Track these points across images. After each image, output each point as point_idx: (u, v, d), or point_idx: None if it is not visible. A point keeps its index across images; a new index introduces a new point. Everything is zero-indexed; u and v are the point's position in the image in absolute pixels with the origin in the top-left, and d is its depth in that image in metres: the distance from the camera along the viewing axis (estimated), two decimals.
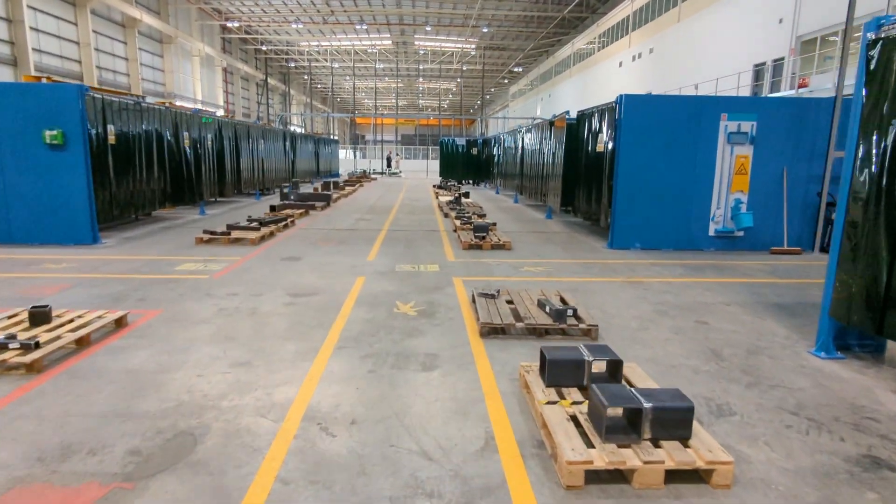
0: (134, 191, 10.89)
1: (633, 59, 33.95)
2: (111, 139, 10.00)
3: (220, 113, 49.50)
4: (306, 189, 22.15)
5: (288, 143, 21.90)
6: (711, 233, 9.78)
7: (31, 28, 29.81)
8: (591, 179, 11.01)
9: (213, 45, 52.71)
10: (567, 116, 12.08)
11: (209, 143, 14.22)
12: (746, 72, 23.23)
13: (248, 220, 11.64)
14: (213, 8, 49.32)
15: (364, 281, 7.21)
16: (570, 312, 5.22)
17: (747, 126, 9.47)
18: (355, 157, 53.03)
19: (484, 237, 9.82)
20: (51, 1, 31.95)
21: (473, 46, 56.74)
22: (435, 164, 41.51)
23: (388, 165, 44.72)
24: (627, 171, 9.50)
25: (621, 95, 9.48)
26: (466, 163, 28.74)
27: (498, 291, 6.00)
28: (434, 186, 23.91)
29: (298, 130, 48.83)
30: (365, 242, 10.20)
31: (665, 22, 30.23)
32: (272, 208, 13.37)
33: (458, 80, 66.79)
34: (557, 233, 11.77)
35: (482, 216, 13.10)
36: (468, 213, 13.81)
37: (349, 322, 5.49)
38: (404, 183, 30.60)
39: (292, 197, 15.23)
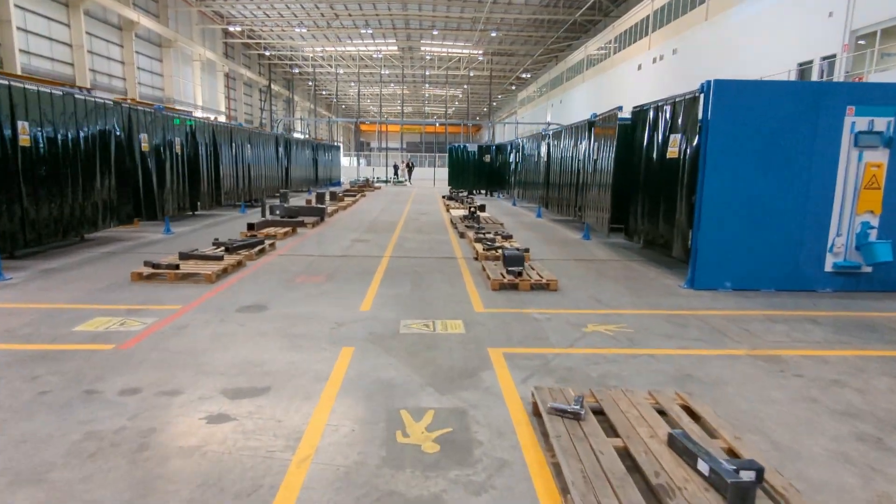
0: (62, 207, 8.26)
1: (654, 61, 31.29)
2: (23, 141, 7.36)
3: (223, 119, 47.12)
4: (300, 201, 19.47)
5: (281, 149, 19.28)
6: (828, 268, 7.06)
7: (19, 28, 27.48)
8: (657, 194, 8.30)
9: (215, 49, 50.42)
10: (619, 115, 9.37)
11: (177, 147, 11.60)
12: (791, 71, 20.53)
13: (214, 244, 9.00)
14: (214, 11, 47.03)
15: (351, 357, 4.53)
16: (750, 475, 2.52)
17: (882, 123, 6.77)
18: (359, 164, 50.49)
19: (520, 273, 7.12)
20: (41, 1, 29.61)
21: (481, 52, 54.27)
22: (442, 172, 38.88)
23: (395, 174, 41.29)
24: (717, 183, 6.81)
25: (709, 81, 6.80)
26: (478, 171, 26.02)
27: (582, 404, 3.31)
28: (443, 197, 21.25)
29: (299, 136, 46.29)
30: (359, 278, 7.52)
31: (690, 20, 27.58)
32: (250, 227, 10.72)
33: (465, 86, 64.31)
34: (607, 261, 9.06)
35: (507, 237, 10.42)
36: (489, 232, 11.13)
37: (310, 482, 2.81)
38: (410, 192, 27.96)
39: (278, 212, 12.58)
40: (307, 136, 59.87)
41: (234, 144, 14.71)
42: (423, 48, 54.36)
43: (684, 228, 7.41)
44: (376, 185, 33.08)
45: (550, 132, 14.49)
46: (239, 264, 8.05)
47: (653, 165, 8.35)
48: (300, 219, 12.38)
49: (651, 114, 8.45)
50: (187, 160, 12.11)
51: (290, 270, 7.90)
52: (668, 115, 7.89)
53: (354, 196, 20.73)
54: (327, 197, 17.04)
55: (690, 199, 7.22)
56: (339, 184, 33.10)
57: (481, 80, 64.08)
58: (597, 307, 6.24)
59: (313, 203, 14.95)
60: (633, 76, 34.00)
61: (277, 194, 18.12)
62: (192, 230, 11.95)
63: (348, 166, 51.94)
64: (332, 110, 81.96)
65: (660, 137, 8.14)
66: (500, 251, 9.01)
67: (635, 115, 9.02)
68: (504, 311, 6.03)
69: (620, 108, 9.18)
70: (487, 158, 25.60)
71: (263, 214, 11.44)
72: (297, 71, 64.02)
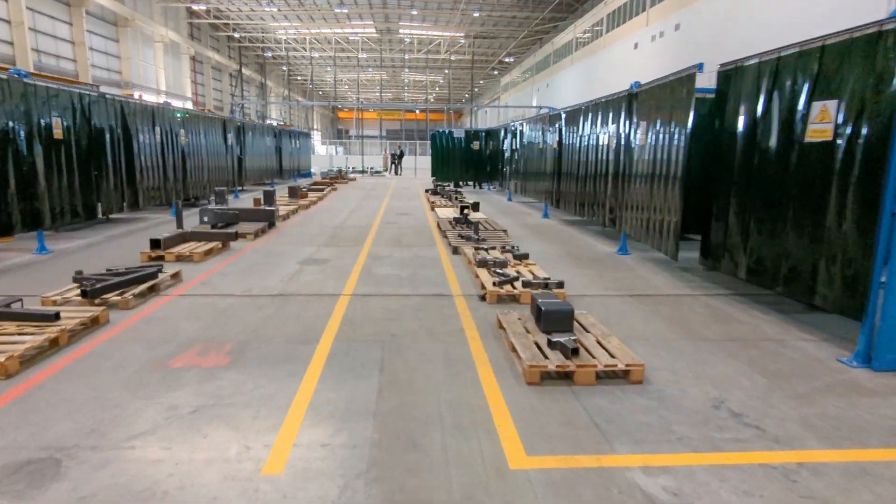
0: None
1: (653, 38, 28.13)
2: None
3: (189, 105, 42.91)
4: (248, 202, 15.91)
5: (231, 135, 15.68)
6: None
7: None
8: (777, 198, 5.05)
9: (179, 30, 46.05)
10: (699, 85, 6.05)
11: (57, 131, 8.09)
12: None
13: (74, 280, 5.65)
14: None
15: None
16: None
17: None
18: (336, 153, 46.79)
19: (575, 349, 3.87)
20: None
21: (462, 34, 50.59)
22: (424, 162, 35.39)
23: (398, 162, 34.79)
24: None
25: None
26: (465, 160, 22.52)
27: None
28: (426, 191, 17.91)
29: (273, 122, 42.14)
30: (288, 356, 4.19)
31: None
32: (154, 244, 7.30)
33: (447, 71, 60.60)
34: (677, 298, 5.88)
35: (521, 257, 7.19)
36: (492, 245, 7.90)
37: None
38: (389, 184, 24.50)
39: (205, 218, 9.15)
40: (283, 123, 55.65)
41: (158, 129, 11.17)
42: (401, 30, 50.51)
43: (856, 261, 4.23)
44: (351, 175, 29.50)
45: (564, 112, 11.21)
46: (93, 322, 4.70)
47: (768, 153, 5.14)
48: (235, 229, 8.99)
49: (763, 73, 5.21)
50: (77, 149, 8.59)
51: (176, 337, 4.55)
52: (807, 73, 4.65)
53: (322, 190, 17.24)
54: (281, 194, 13.58)
55: (862, 212, 4.04)
56: (309, 174, 29.41)
57: (463, 64, 60.47)
58: (745, 436, 3.05)
59: (262, 203, 11.53)
60: (628, 56, 30.84)
61: (233, 189, 14.61)
62: (86, 245, 8.49)
63: (325, 155, 48.07)
64: (308, 97, 77.53)
65: (784, 108, 4.92)
66: (518, 285, 5.79)
67: (724, 78, 5.78)
68: (569, 464, 2.80)
69: (700, 68, 5.96)
70: (476, 146, 22.17)
71: (180, 224, 8.01)
72: (269, 55, 59.62)
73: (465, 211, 10.85)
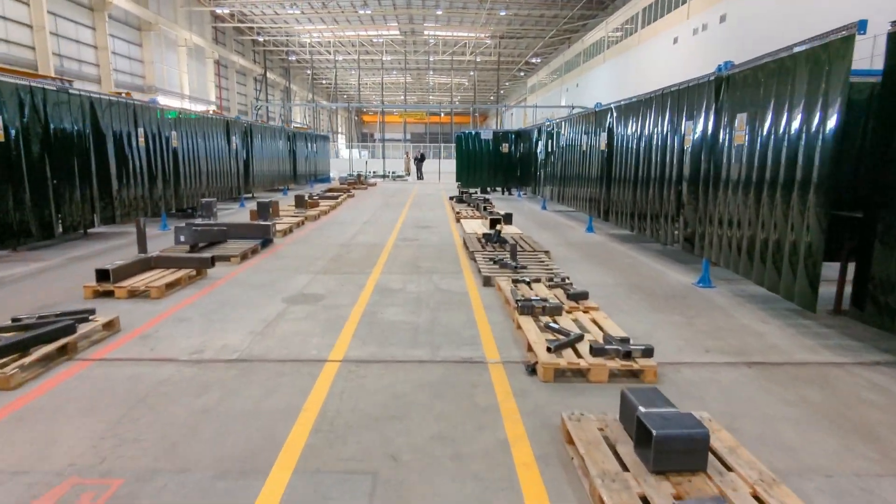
0: None
1: (695, 32, 25.82)
2: None
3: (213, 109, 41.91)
4: (253, 210, 14.07)
5: (235, 139, 14.03)
6: None
7: None
8: None
9: (203, 34, 45.19)
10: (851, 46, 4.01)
11: None
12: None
13: None
14: None
15: None
16: None
17: None
18: (359, 156, 45.28)
19: None
20: None
21: (488, 34, 48.66)
22: (448, 165, 33.53)
23: (419, 166, 33.10)
24: None
25: None
26: (494, 164, 20.42)
27: None
28: (451, 199, 16.03)
29: (298, 126, 40.73)
30: None
31: None
32: (101, 276, 5.59)
33: (472, 73, 58.71)
34: (822, 368, 3.90)
35: (579, 297, 5.27)
36: (535, 277, 5.98)
37: None
38: (410, 190, 22.71)
39: (182, 237, 7.44)
40: (304, 126, 54.43)
41: (142, 131, 9.55)
42: (426, 32, 48.82)
43: None
44: (371, 180, 27.81)
45: (614, 106, 9.22)
46: None
47: None
48: (216, 250, 7.26)
49: None
50: (27, 153, 6.98)
51: (42, 458, 2.77)
52: None
53: (336, 198, 15.48)
54: (290, 203, 11.88)
55: None
56: (327, 179, 27.79)
57: (488, 65, 58.53)
58: None
59: (258, 216, 9.74)
60: (666, 52, 28.53)
61: (233, 198, 12.96)
62: (37, 270, 6.85)
63: (348, 159, 46.62)
64: (332, 100, 76.51)
65: None
66: (584, 351, 3.88)
67: None
68: None
69: (862, 28, 3.96)
70: (506, 148, 20.12)
71: (143, 247, 6.28)
72: (293, 58, 58.58)
73: (497, 226, 8.96)
